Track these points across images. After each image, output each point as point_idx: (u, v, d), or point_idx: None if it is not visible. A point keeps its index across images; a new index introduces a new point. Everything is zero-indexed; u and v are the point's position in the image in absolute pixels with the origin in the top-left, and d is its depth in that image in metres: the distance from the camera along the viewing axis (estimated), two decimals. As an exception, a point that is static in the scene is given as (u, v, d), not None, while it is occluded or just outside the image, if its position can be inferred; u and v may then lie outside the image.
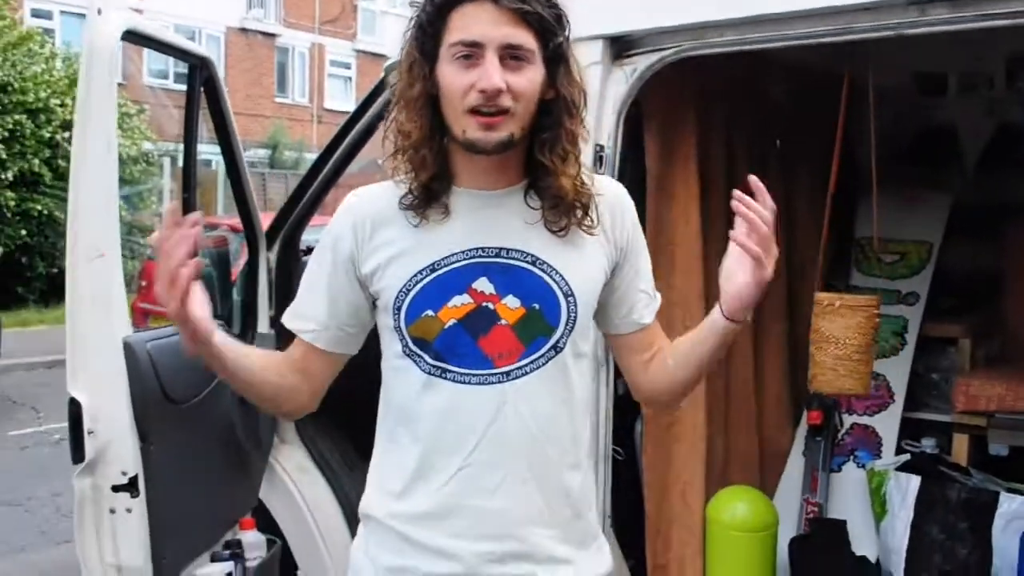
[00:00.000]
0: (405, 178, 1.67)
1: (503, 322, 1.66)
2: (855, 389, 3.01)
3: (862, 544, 3.45)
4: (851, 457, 3.81)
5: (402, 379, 1.71)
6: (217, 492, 3.04)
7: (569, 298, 1.69)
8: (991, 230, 4.11)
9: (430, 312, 1.65)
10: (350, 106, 26.84)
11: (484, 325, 1.66)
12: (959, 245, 4.13)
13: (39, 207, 13.57)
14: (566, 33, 1.65)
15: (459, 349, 1.66)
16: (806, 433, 3.80)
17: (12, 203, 13.28)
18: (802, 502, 3.71)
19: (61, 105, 13.59)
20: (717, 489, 3.25)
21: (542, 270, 1.68)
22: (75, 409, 2.50)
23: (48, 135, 13.61)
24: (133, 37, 2.61)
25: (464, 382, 1.66)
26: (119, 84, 3.23)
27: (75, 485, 2.56)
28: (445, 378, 1.66)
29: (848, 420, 3.85)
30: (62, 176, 13.04)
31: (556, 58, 1.65)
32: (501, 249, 1.67)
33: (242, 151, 3.36)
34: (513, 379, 1.67)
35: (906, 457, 3.55)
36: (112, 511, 2.54)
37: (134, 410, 2.54)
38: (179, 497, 2.71)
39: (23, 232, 13.52)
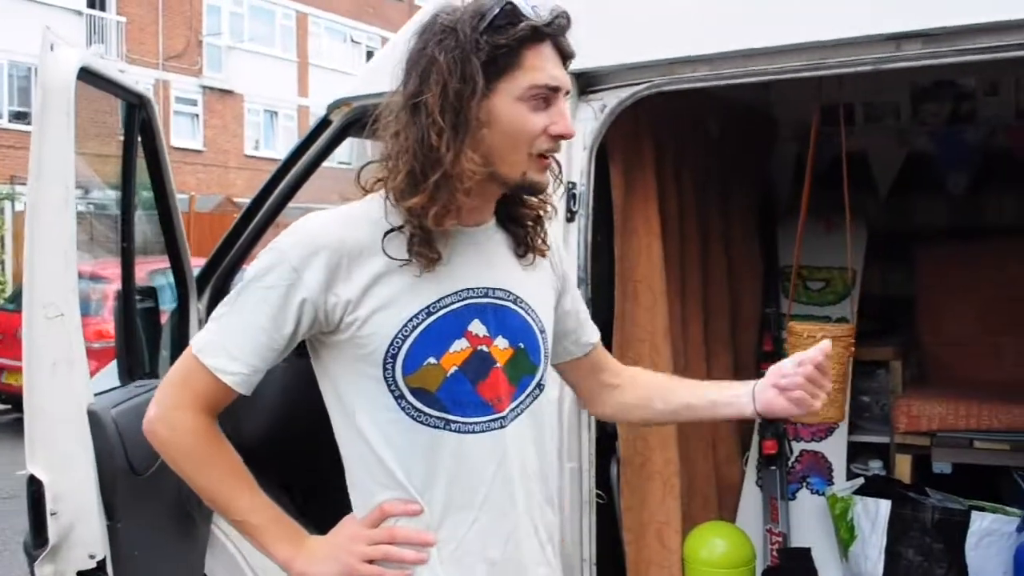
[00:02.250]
0: (399, 211, 1.52)
1: (497, 365, 1.60)
2: (836, 417, 3.07)
3: (827, 570, 3.49)
4: (803, 484, 3.84)
5: (398, 436, 1.56)
6: (175, 566, 2.82)
7: (543, 334, 1.69)
8: (905, 255, 4.29)
9: (432, 360, 1.55)
10: (197, 144, 26.27)
11: (483, 370, 1.59)
12: (877, 270, 4.26)
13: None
14: None
15: (461, 398, 1.57)
16: (758, 463, 3.81)
17: None
18: (765, 533, 3.71)
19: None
20: (688, 527, 3.19)
21: (522, 308, 1.66)
22: (35, 488, 2.28)
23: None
24: (87, 75, 2.38)
25: (469, 431, 1.58)
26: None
27: (35, 574, 2.32)
28: (450, 430, 1.57)
29: (796, 447, 3.88)
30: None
31: None
32: (489, 289, 1.62)
33: (176, 195, 3.14)
34: (510, 422, 1.62)
35: (860, 481, 3.59)
36: (78, 599, 2.32)
37: (101, 486, 2.34)
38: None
39: None
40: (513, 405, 1.62)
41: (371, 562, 1.56)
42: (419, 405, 1.55)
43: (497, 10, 1.50)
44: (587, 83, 2.63)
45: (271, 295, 1.52)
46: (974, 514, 3.11)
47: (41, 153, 2.26)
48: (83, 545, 2.31)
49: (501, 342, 1.61)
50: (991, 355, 4.00)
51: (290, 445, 3.21)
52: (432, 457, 1.56)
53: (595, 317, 2.63)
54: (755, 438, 3.90)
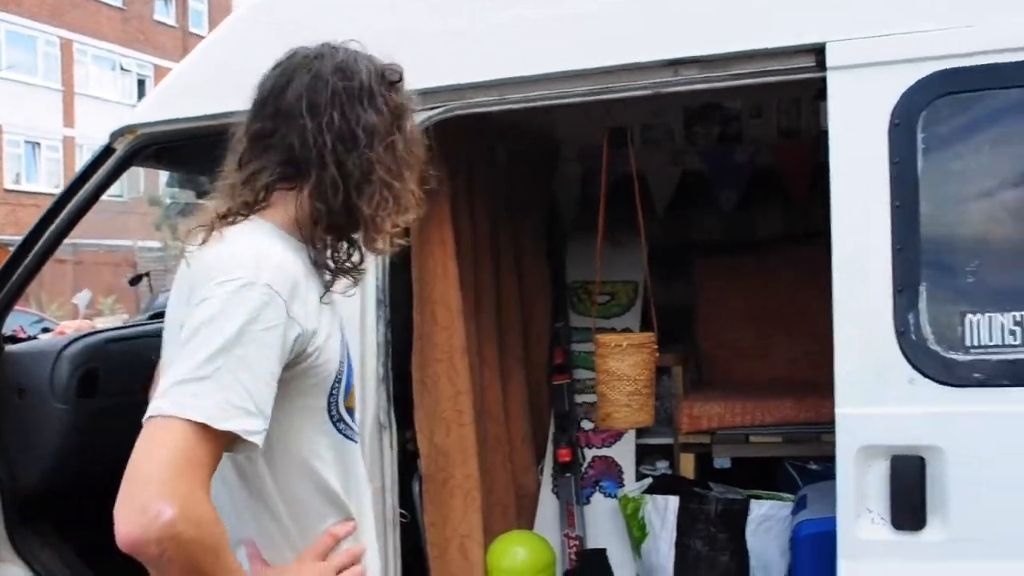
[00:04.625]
0: (316, 239, 1.63)
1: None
2: (647, 421, 3.28)
3: (622, 568, 3.68)
4: (597, 488, 4.03)
5: (335, 459, 1.64)
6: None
7: None
8: (682, 268, 4.56)
9: (354, 380, 1.72)
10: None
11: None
12: (657, 283, 4.50)
13: None
14: None
15: (352, 413, 1.72)
16: (553, 471, 3.98)
17: None
18: (562, 537, 3.87)
19: None
20: (489, 538, 3.29)
21: None
22: None
23: None
24: None
25: (357, 441, 1.74)
26: None
27: None
28: (354, 441, 1.72)
29: (589, 453, 4.08)
30: None
31: None
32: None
33: None
34: None
35: (649, 481, 3.79)
36: None
37: None
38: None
39: None
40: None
41: None
42: (351, 423, 1.67)
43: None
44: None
45: (273, 336, 1.45)
46: (752, 502, 3.37)
47: None
48: None
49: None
50: (762, 357, 4.30)
51: (73, 491, 3.09)
52: (351, 470, 1.70)
53: (395, 337, 2.73)
54: (549, 447, 4.07)
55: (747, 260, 4.50)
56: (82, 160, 29.11)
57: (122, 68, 30.72)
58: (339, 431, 1.64)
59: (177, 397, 1.38)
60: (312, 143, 1.58)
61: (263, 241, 1.55)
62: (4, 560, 3.02)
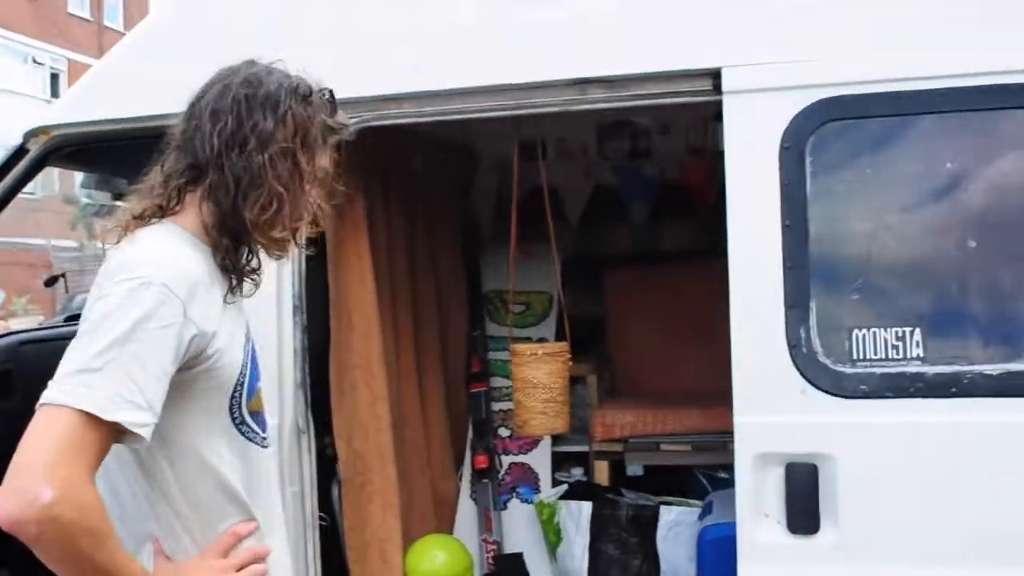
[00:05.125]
0: (280, 240, 1.71)
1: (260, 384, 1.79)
2: (562, 428, 3.37)
3: (538, 572, 3.77)
4: (514, 494, 4.11)
5: (237, 460, 1.68)
6: None
7: None
8: (595, 279, 4.64)
9: (259, 383, 1.74)
10: None
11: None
12: (572, 293, 4.59)
13: None
14: None
15: (262, 416, 1.76)
16: (471, 477, 4.04)
17: None
18: (480, 542, 3.94)
19: None
20: (408, 542, 3.35)
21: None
22: None
23: None
24: None
25: (263, 446, 1.77)
26: None
27: None
28: (261, 445, 1.75)
29: (506, 460, 4.15)
30: None
31: None
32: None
33: None
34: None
35: (564, 488, 3.88)
36: None
37: None
38: None
39: None
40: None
41: None
42: (254, 426, 1.71)
43: (331, 99, 1.79)
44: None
45: (168, 334, 1.50)
46: (662, 508, 3.49)
47: None
48: None
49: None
50: (672, 367, 4.37)
51: None
52: (257, 473, 1.73)
53: (311, 344, 2.76)
54: (468, 453, 4.13)
55: (655, 273, 4.59)
56: (-8, 156, 28.61)
57: (35, 61, 29.84)
58: (242, 433, 1.68)
59: (68, 386, 1.43)
60: (208, 147, 1.65)
61: (169, 243, 1.62)
62: None
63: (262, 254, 1.78)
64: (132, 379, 1.45)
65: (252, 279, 1.75)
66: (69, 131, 2.97)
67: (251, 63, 1.75)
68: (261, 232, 1.67)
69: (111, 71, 3.03)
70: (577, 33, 2.53)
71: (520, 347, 3.47)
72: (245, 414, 1.68)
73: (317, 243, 3.01)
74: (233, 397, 1.64)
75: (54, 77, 30.63)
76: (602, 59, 2.50)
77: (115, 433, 1.45)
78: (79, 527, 1.39)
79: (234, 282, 1.70)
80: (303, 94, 1.72)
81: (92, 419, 1.41)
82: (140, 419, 1.46)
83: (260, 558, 1.70)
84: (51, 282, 4.93)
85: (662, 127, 4.66)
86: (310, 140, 1.71)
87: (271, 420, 1.90)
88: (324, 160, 1.76)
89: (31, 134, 3.03)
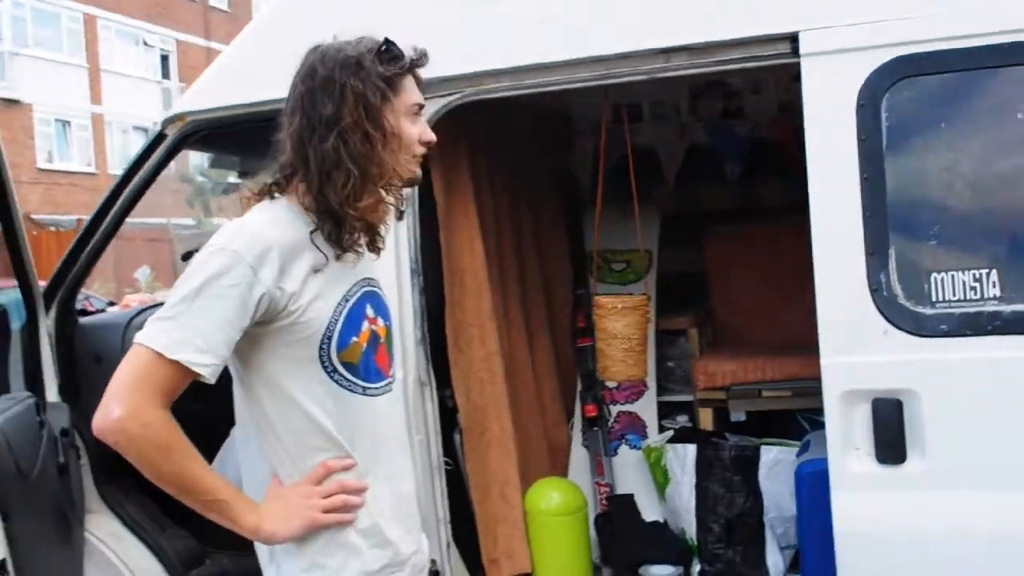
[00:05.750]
0: (368, 209, 1.87)
1: (382, 340, 1.99)
2: (640, 375, 3.61)
3: (649, 511, 4.00)
4: (623, 440, 4.34)
5: (332, 404, 1.88)
6: (58, 566, 3.01)
7: (391, 313, 2.08)
8: (694, 237, 4.80)
9: (354, 338, 1.89)
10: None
11: (376, 345, 1.96)
12: (671, 250, 4.75)
13: None
14: None
15: (371, 367, 1.94)
16: (582, 425, 4.29)
17: None
18: (594, 485, 4.18)
19: None
20: (526, 485, 3.60)
21: (383, 294, 2.05)
22: None
23: None
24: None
25: (375, 395, 1.96)
26: None
27: None
28: (366, 395, 1.93)
29: (614, 409, 4.37)
30: None
31: None
32: (368, 278, 2.00)
33: (20, 213, 3.28)
34: (394, 383, 2.02)
35: (670, 433, 4.09)
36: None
37: None
38: (48, 572, 2.71)
39: None
40: (392, 371, 2.01)
41: (329, 512, 1.88)
42: (348, 376, 1.90)
43: (385, 47, 1.90)
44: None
45: (234, 292, 1.76)
46: (763, 448, 3.66)
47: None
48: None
49: (381, 321, 1.99)
50: (771, 319, 4.50)
51: None
52: (357, 418, 1.92)
53: (428, 305, 2.99)
54: (577, 403, 4.36)
55: (752, 228, 4.71)
56: (112, 138, 29.13)
57: (146, 43, 30.74)
58: (334, 381, 1.88)
59: (149, 330, 1.76)
60: (291, 144, 1.89)
61: (260, 216, 1.87)
62: (94, 511, 3.34)
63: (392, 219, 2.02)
64: (195, 327, 1.74)
65: (356, 251, 1.93)
66: (201, 117, 3.22)
67: (314, 49, 1.92)
68: (350, 206, 1.86)
69: (237, 59, 3.26)
70: (659, 4, 2.69)
71: (602, 299, 3.73)
72: (336, 364, 1.87)
73: (432, 211, 3.28)
74: (321, 348, 1.85)
75: (163, 58, 31.53)
76: (684, 28, 2.64)
77: (183, 370, 1.75)
78: (145, 439, 1.73)
79: (339, 253, 1.89)
80: (354, 64, 1.87)
81: (160, 357, 1.73)
82: (199, 359, 1.75)
83: (348, 490, 1.89)
84: (187, 256, 5.27)
85: (753, 86, 4.76)
86: (373, 102, 1.85)
87: (398, 374, 2.12)
88: (401, 106, 1.91)
89: (169, 121, 3.31)
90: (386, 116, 1.88)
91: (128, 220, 3.51)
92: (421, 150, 1.97)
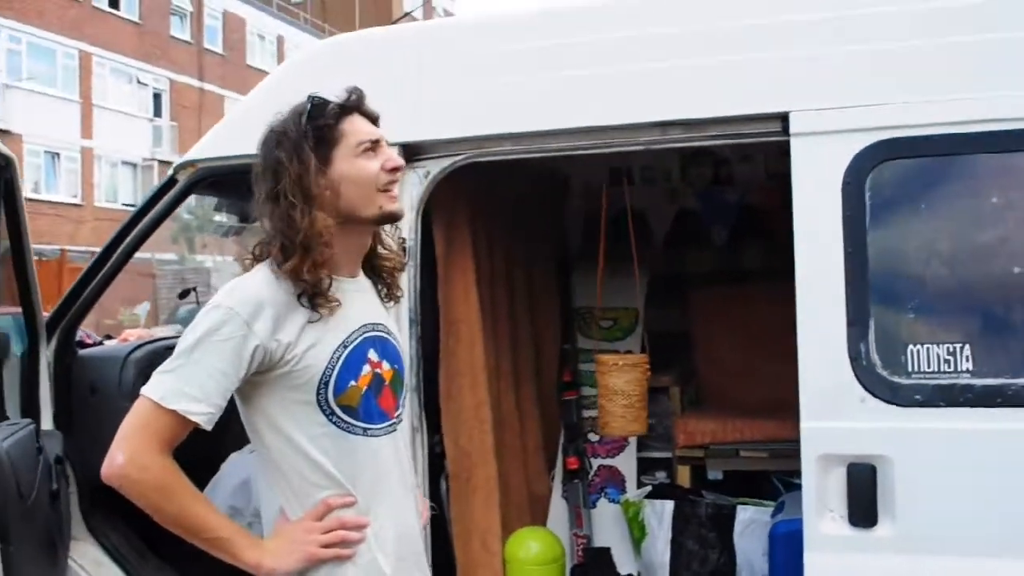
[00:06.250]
0: (299, 273, 1.93)
1: (386, 383, 2.06)
2: (640, 431, 3.70)
3: (624, 564, 4.07)
4: (602, 494, 4.42)
5: (331, 445, 1.97)
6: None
7: (402, 357, 2.16)
8: (679, 297, 4.90)
9: (353, 382, 1.98)
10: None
11: (379, 387, 2.04)
12: (656, 310, 4.83)
13: None
14: None
15: (371, 409, 2.02)
16: (563, 477, 4.36)
17: None
18: (571, 536, 4.24)
19: None
20: (506, 533, 3.67)
21: (392, 338, 2.13)
22: None
23: None
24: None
25: (376, 435, 2.03)
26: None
27: None
28: (366, 435, 2.01)
29: (595, 463, 4.47)
30: None
31: None
32: (374, 324, 2.08)
33: (31, 247, 3.37)
34: (397, 427, 2.09)
35: (648, 488, 4.17)
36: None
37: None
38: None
39: None
40: (398, 413, 2.09)
41: (328, 547, 1.95)
42: (346, 418, 1.98)
43: (310, 105, 2.00)
44: (413, 153, 3.01)
45: (227, 346, 1.88)
46: (739, 508, 3.75)
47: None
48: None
49: (386, 365, 2.07)
50: (751, 378, 4.54)
51: None
52: (357, 457, 1.99)
53: (424, 354, 3.06)
54: (560, 456, 4.44)
55: (736, 291, 4.81)
56: (100, 172, 29.16)
57: (139, 82, 31.03)
58: (332, 423, 1.96)
59: (152, 382, 1.90)
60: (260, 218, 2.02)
61: (256, 276, 1.98)
62: (79, 539, 3.37)
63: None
64: (191, 378, 1.87)
65: (328, 308, 1.97)
66: (211, 164, 3.32)
67: (268, 127, 2.03)
68: (299, 277, 1.93)
69: (245, 115, 3.33)
70: (658, 80, 2.78)
71: (604, 357, 3.82)
72: (334, 407, 1.96)
73: (433, 263, 3.37)
74: (319, 392, 1.94)
75: (156, 96, 31.83)
76: (682, 104, 2.75)
77: (180, 418, 1.87)
78: (145, 483, 1.86)
79: (314, 306, 1.96)
80: (276, 138, 1.99)
81: (158, 406, 1.86)
82: (194, 408, 1.87)
83: (347, 527, 1.96)
84: (184, 295, 5.35)
85: (742, 155, 4.89)
86: (308, 164, 1.94)
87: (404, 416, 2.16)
88: (347, 149, 1.98)
89: (180, 167, 3.41)
90: (334, 165, 1.98)
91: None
92: (386, 179, 2.01)
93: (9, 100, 25.81)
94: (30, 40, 26.81)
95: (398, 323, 2.94)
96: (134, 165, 30.84)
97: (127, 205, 29.88)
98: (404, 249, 3.05)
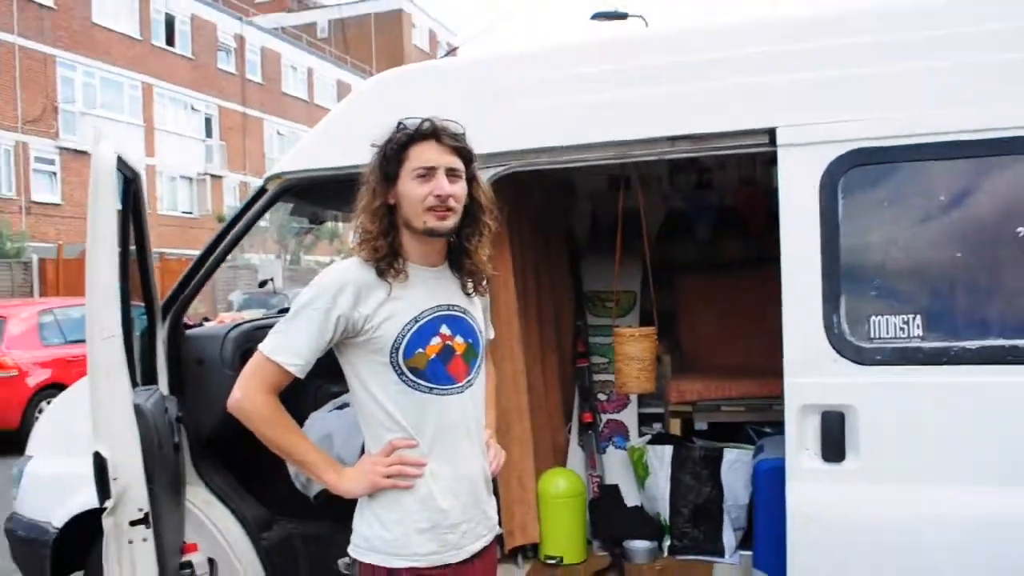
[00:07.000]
0: (368, 259, 2.06)
1: (457, 353, 2.12)
2: (651, 389, 3.81)
3: (630, 498, 4.16)
4: (611, 442, 4.52)
5: (401, 398, 2.05)
6: (173, 524, 3.15)
7: (480, 334, 2.19)
8: (669, 282, 4.96)
9: (420, 349, 2.05)
10: (56, 198, 24.77)
11: (448, 356, 2.10)
12: (652, 293, 4.94)
13: None
14: (475, 162, 2.16)
15: (438, 373, 2.08)
16: (579, 429, 4.46)
17: None
18: (587, 476, 4.34)
19: None
20: (536, 474, 3.78)
21: (468, 317, 2.16)
22: (100, 461, 2.59)
23: None
24: (118, 160, 2.73)
25: (442, 394, 2.08)
26: None
27: (104, 524, 2.64)
28: (432, 393, 2.07)
29: (604, 417, 4.57)
30: None
31: (471, 177, 2.14)
32: (448, 305, 2.13)
33: (152, 249, 3.42)
34: (466, 390, 2.13)
35: (648, 437, 4.25)
36: (131, 542, 2.65)
37: (144, 459, 2.68)
38: (167, 527, 2.85)
39: None
40: (468, 379, 2.12)
41: (388, 477, 2.05)
42: (414, 378, 2.05)
43: (395, 129, 2.08)
44: (467, 165, 3.10)
45: (317, 315, 2.01)
46: (725, 450, 3.85)
47: (95, 222, 2.62)
48: (134, 502, 2.64)
49: (459, 339, 2.12)
50: (729, 348, 4.69)
51: (236, 435, 3.56)
52: (422, 410, 2.06)
53: None
54: (576, 411, 4.54)
55: (716, 278, 4.88)
56: (162, 185, 29.15)
57: (192, 108, 31.03)
58: (403, 381, 2.04)
59: (266, 339, 2.06)
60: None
61: (345, 262, 2.11)
62: (191, 483, 3.44)
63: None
64: (290, 338, 2.03)
65: (395, 279, 2.06)
66: (296, 176, 3.35)
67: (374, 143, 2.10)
68: (370, 257, 2.06)
69: (325, 132, 3.37)
70: (667, 102, 2.83)
71: (621, 330, 3.92)
72: (404, 368, 2.04)
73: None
74: (391, 355, 2.03)
75: (207, 120, 31.80)
76: (688, 121, 2.81)
77: (281, 368, 2.02)
78: (256, 415, 2.02)
79: (382, 274, 2.04)
80: (378, 149, 2.07)
81: (267, 358, 2.03)
82: (290, 361, 2.02)
83: (406, 463, 2.04)
84: (263, 284, 5.44)
85: (719, 164, 4.92)
86: (382, 178, 2.05)
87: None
88: (407, 172, 2.03)
89: (270, 178, 3.42)
90: (400, 180, 2.04)
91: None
92: (432, 202, 2.03)
93: (85, 125, 25.70)
94: (102, 75, 26.81)
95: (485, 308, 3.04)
96: (190, 179, 30.89)
97: (185, 213, 29.98)
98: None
